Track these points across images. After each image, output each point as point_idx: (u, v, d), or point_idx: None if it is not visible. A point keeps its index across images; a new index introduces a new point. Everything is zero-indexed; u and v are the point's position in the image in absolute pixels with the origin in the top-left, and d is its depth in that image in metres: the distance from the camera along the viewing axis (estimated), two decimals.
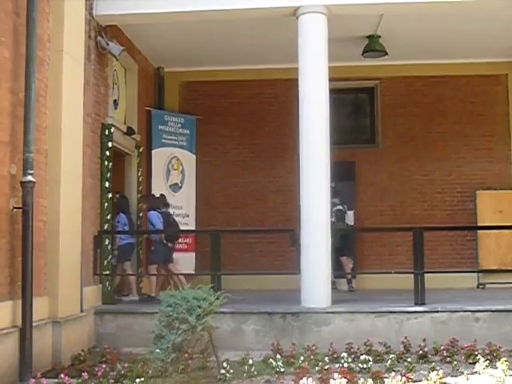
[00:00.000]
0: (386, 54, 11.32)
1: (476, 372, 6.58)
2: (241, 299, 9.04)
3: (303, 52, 9.02)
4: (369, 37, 11.14)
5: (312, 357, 7.36)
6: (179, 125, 12.60)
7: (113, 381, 6.59)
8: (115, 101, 10.70)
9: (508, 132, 12.89)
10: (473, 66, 12.61)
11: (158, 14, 9.26)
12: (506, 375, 6.34)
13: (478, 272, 12.24)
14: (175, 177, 12.43)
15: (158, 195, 11.19)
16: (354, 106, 13.65)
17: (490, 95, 12.93)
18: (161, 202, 10.78)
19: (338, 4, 9.05)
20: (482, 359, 6.74)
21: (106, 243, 9.43)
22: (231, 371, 6.72)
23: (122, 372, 6.77)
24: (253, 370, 6.89)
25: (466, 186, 12.64)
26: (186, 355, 6.92)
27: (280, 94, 12.47)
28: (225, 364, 6.86)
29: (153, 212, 10.30)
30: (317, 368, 6.87)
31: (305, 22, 9.04)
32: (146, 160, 11.90)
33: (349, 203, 12.09)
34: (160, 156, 12.19)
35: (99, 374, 6.71)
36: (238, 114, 13.02)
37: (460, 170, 12.77)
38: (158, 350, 6.48)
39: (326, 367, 6.81)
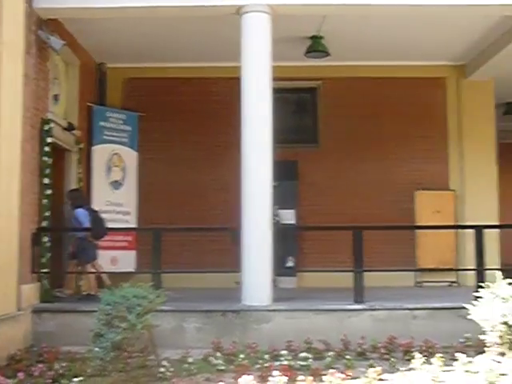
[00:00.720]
0: (329, 54, 11.44)
1: (412, 368, 6.71)
2: (182, 297, 9.01)
3: (246, 51, 9.04)
4: (312, 37, 11.24)
5: (252, 354, 7.39)
6: (121, 121, 12.45)
7: (50, 380, 6.48)
8: (56, 96, 10.52)
9: (445, 133, 13.19)
10: (413, 69, 12.85)
11: (101, 9, 9.15)
12: (441, 371, 6.49)
13: (415, 271, 12.48)
14: (116, 174, 12.27)
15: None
16: (296, 105, 13.73)
17: (429, 97, 13.19)
18: (85, 199, 10.59)
19: (281, 4, 9.11)
20: (419, 356, 6.87)
21: (45, 240, 9.26)
22: (171, 369, 6.70)
23: (60, 371, 6.66)
24: (193, 368, 6.89)
25: (405, 186, 12.85)
26: (126, 354, 6.84)
27: (224, 92, 12.44)
28: (165, 362, 6.83)
29: (80, 210, 10.09)
30: (257, 366, 6.91)
31: (248, 20, 9.06)
32: (87, 156, 11.73)
33: (289, 202, 12.25)
34: (101, 152, 12.02)
35: (36, 373, 6.59)
36: (182, 111, 12.95)
37: (399, 171, 12.98)
38: (96, 349, 6.41)
39: (266, 365, 6.85)
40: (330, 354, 7.35)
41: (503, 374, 6.16)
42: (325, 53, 11.40)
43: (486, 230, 9.50)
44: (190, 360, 7.11)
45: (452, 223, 12.62)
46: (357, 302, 8.75)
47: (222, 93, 12.56)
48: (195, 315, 8.51)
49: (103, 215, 10.57)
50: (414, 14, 9.97)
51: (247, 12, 9.05)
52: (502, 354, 6.63)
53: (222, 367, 6.96)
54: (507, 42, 10.99)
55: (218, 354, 7.35)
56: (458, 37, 11.52)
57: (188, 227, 11.85)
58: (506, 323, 6.58)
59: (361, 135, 13.01)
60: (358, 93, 13.08)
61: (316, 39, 11.23)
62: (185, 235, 12.11)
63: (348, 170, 12.99)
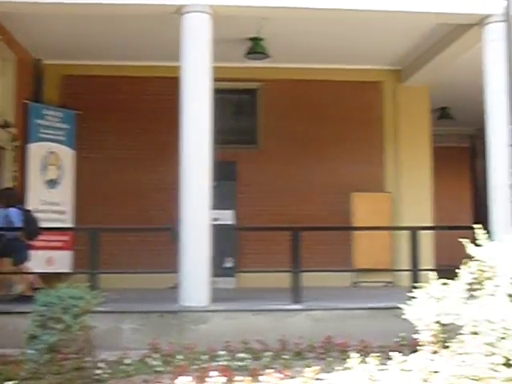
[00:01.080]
0: (268, 56, 11.51)
1: (349, 368, 6.79)
2: (119, 298, 8.90)
3: (186, 51, 9.01)
4: (252, 39, 11.29)
5: (190, 355, 7.35)
6: (58, 119, 12.25)
7: None
8: None
9: (382, 137, 13.44)
10: (352, 72, 13.05)
11: (38, 4, 8.99)
12: (376, 370, 6.60)
13: (351, 271, 12.67)
14: (52, 172, 12.06)
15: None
16: (237, 106, 13.77)
17: (366, 101, 13.41)
18: (18, 198, 10.34)
19: (222, 5, 9.11)
20: (355, 355, 6.96)
21: None
22: (108, 371, 6.62)
23: None
24: (130, 369, 6.82)
25: (342, 188, 13.03)
26: (61, 356, 6.72)
27: (165, 91, 12.28)
28: (101, 364, 6.74)
29: (13, 209, 9.82)
30: (195, 366, 6.88)
31: (188, 21, 9.02)
32: (22, 154, 11.48)
33: (228, 203, 12.29)
34: (37, 151, 11.79)
35: None
36: (121, 110, 12.80)
37: (337, 172, 13.15)
38: (30, 351, 6.29)
39: (204, 365, 6.83)
40: (268, 354, 7.39)
41: (436, 372, 6.30)
42: (264, 55, 11.47)
43: (421, 232, 9.72)
44: (128, 361, 7.03)
45: (388, 224, 12.86)
46: (294, 302, 8.81)
47: (163, 92, 12.44)
48: (133, 316, 8.42)
49: (38, 215, 10.35)
50: (353, 19, 10.12)
51: (188, 12, 9.02)
52: (435, 352, 6.77)
53: (160, 368, 6.91)
54: (439, 50, 11.31)
55: (156, 355, 7.29)
56: (395, 42, 11.77)
57: (126, 227, 11.74)
58: (439, 322, 6.73)
59: (300, 137, 13.13)
60: (297, 95, 13.19)
61: (256, 41, 11.29)
62: (123, 235, 11.99)
63: (287, 171, 13.08)
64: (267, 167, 13.05)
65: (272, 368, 6.73)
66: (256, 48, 11.34)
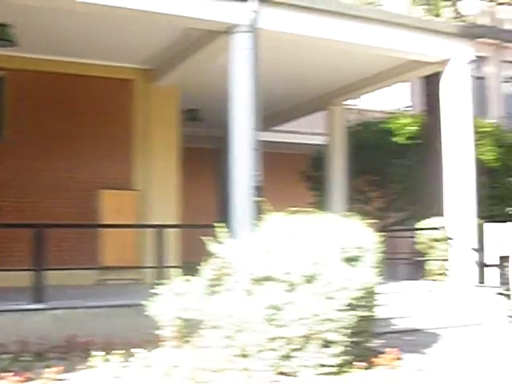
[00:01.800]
0: (16, 44, 11.01)
1: (92, 366, 6.77)
2: None
3: None
4: None
5: None
6: None
7: None
8: None
9: (131, 135, 13.51)
10: (103, 68, 12.93)
11: None
12: (120, 367, 6.65)
13: (97, 269, 12.55)
14: None
15: None
16: None
17: (116, 98, 13.39)
18: None
19: None
20: (99, 353, 6.95)
21: None
22: None
23: None
24: None
25: (89, 185, 12.89)
26: None
27: None
28: None
29: None
30: None
31: None
32: None
33: None
34: None
35: None
36: None
37: (85, 169, 12.96)
38: None
39: None
40: (7, 356, 7.10)
41: (177, 366, 6.52)
42: (11, 42, 10.96)
43: (168, 230, 9.95)
44: None
45: (134, 222, 12.96)
46: (37, 301, 8.53)
47: None
48: None
49: None
50: (105, 15, 9.99)
51: None
52: (178, 347, 7.01)
53: None
54: (190, 54, 11.65)
55: None
56: (146, 42, 11.87)
57: None
58: (181, 318, 6.97)
59: (49, 131, 12.76)
60: (47, 87, 12.81)
61: (2, 27, 10.73)
62: None
63: (34, 165, 12.63)
64: (11, 161, 12.48)
65: (10, 371, 6.47)
66: (2, 34, 10.79)
